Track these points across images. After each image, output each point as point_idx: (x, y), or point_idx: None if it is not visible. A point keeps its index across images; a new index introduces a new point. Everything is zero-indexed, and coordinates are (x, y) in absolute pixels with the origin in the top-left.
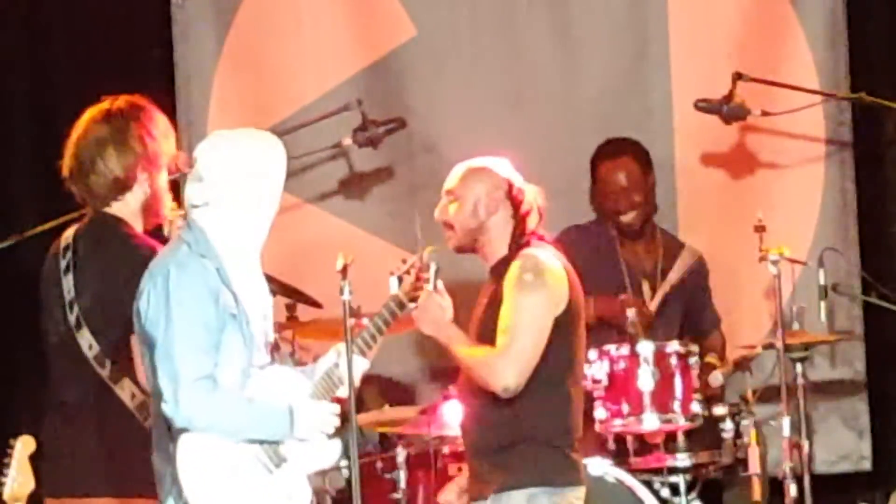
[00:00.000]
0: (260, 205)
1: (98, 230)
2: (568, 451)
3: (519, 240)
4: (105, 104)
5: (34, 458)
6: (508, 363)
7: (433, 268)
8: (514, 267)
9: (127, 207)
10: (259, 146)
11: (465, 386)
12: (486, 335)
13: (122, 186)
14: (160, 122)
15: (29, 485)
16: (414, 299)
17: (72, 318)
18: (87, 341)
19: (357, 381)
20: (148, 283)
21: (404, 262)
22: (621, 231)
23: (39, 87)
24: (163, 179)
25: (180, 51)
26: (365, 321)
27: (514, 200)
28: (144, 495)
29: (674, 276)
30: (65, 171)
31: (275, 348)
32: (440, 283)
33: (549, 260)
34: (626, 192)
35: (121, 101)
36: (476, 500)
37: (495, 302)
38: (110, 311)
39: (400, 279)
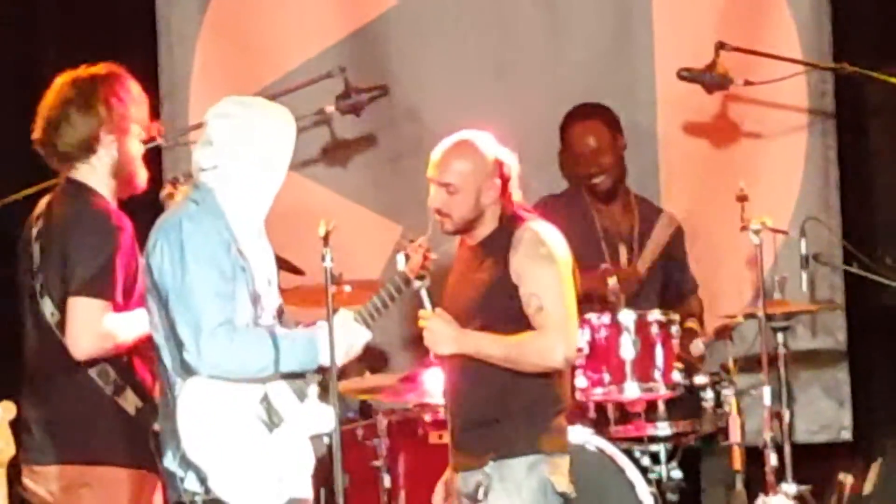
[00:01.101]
0: (267, 171)
1: (63, 197)
2: (560, 419)
3: (509, 214)
4: (78, 70)
5: (14, 424)
6: (558, 337)
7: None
8: (524, 243)
9: (93, 172)
10: (270, 114)
11: (458, 357)
12: (494, 308)
13: (86, 147)
14: (131, 88)
15: (9, 451)
16: (420, 277)
17: (37, 286)
18: (49, 308)
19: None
20: (159, 237)
21: (412, 240)
22: (594, 195)
23: (22, 55)
24: (132, 145)
25: (163, 17)
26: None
27: (503, 178)
28: (108, 463)
29: (654, 244)
30: (34, 135)
31: (280, 313)
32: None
33: (553, 231)
34: (596, 155)
35: (95, 67)
36: (465, 469)
37: (498, 276)
38: (60, 275)
39: (407, 256)
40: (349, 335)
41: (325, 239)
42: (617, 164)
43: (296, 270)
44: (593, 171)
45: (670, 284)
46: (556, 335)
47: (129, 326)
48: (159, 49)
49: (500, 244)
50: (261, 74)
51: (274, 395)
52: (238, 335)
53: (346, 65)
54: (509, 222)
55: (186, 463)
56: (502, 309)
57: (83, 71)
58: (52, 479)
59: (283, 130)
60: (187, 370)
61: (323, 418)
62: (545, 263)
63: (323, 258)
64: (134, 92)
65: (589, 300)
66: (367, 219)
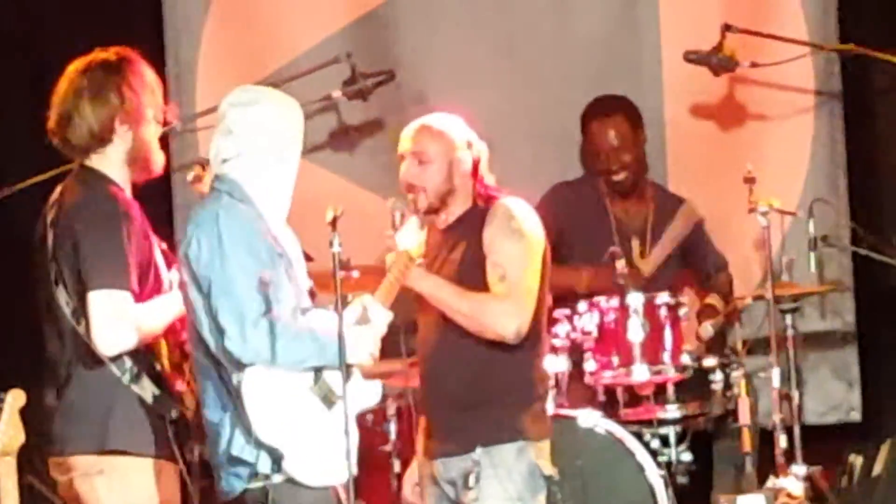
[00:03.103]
0: (287, 158)
1: (74, 185)
2: (541, 403)
3: (483, 195)
4: (91, 56)
5: (24, 412)
6: (514, 307)
7: (398, 215)
8: (497, 217)
9: (107, 160)
10: (283, 104)
11: (436, 341)
12: (469, 283)
13: (99, 138)
14: (145, 74)
15: (19, 438)
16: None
17: (52, 274)
18: (64, 297)
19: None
20: (194, 229)
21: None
22: (612, 189)
23: (30, 40)
24: (148, 132)
25: (169, 2)
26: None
27: (474, 158)
28: (123, 452)
29: (671, 237)
30: (48, 124)
31: (312, 295)
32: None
33: (527, 208)
34: (617, 152)
35: (107, 52)
36: (447, 456)
37: (472, 252)
38: (74, 265)
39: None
40: (375, 322)
41: (333, 224)
42: (638, 159)
43: (304, 256)
44: (614, 167)
45: (694, 268)
46: (513, 305)
47: (152, 315)
48: (165, 34)
49: (474, 223)
50: (267, 60)
51: (327, 374)
52: (281, 327)
53: (353, 50)
54: (484, 202)
55: (259, 446)
56: (479, 284)
57: (95, 58)
58: (71, 468)
59: (296, 121)
60: (229, 358)
61: (369, 393)
62: (514, 236)
63: (331, 243)
64: (147, 77)
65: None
66: (374, 204)
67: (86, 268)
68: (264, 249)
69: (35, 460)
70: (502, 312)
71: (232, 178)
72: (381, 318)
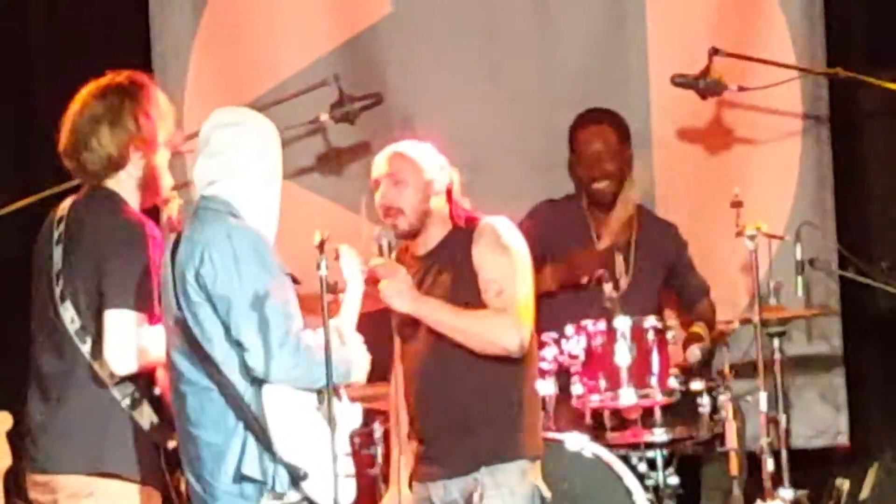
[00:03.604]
0: (273, 178)
1: (91, 202)
2: (536, 422)
3: (462, 217)
4: (105, 79)
5: (12, 435)
6: (515, 320)
7: (386, 243)
8: (484, 235)
9: (120, 185)
10: (265, 125)
11: (430, 365)
12: (459, 304)
13: (114, 165)
14: (159, 100)
15: (5, 461)
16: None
17: (57, 290)
18: (69, 314)
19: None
20: (204, 249)
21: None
22: (594, 201)
23: (16, 61)
24: (160, 158)
25: (157, 25)
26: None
27: (448, 182)
28: (116, 476)
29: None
30: (60, 146)
31: None
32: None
33: (511, 226)
34: (601, 160)
35: (121, 77)
36: (449, 478)
37: (462, 272)
38: (92, 284)
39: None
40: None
41: (320, 247)
42: (621, 171)
43: (291, 279)
44: (596, 174)
45: (676, 292)
46: (514, 318)
47: (160, 341)
48: (153, 57)
49: (459, 245)
50: (255, 83)
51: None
52: (304, 346)
53: (341, 73)
54: (465, 224)
55: (278, 464)
56: (469, 304)
57: (110, 82)
58: (57, 488)
59: (277, 141)
60: (250, 376)
61: (354, 416)
62: (505, 252)
63: (318, 266)
64: (161, 103)
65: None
66: (361, 227)
67: (109, 286)
68: (275, 266)
69: (22, 482)
70: (504, 326)
71: (223, 198)
72: (356, 340)
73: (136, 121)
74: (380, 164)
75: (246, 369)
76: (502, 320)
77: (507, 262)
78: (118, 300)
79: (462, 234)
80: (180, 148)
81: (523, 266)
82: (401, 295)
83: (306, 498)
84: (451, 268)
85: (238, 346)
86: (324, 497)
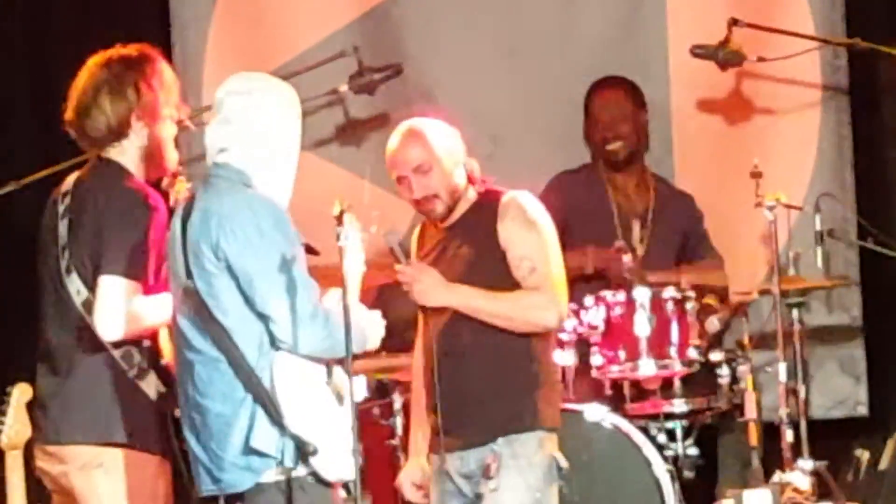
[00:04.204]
0: (287, 145)
1: (95, 175)
2: (554, 393)
3: (483, 190)
4: (112, 50)
5: (30, 406)
6: (551, 296)
7: (398, 247)
8: (510, 211)
9: (124, 155)
10: (282, 91)
11: (449, 336)
12: (482, 278)
13: (115, 133)
14: (164, 72)
15: (26, 432)
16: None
17: (63, 263)
18: (75, 287)
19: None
20: (223, 220)
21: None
22: (608, 164)
23: (36, 34)
24: (164, 130)
25: None
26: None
27: (463, 149)
28: (124, 445)
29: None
30: (66, 115)
31: None
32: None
33: (535, 200)
34: (614, 122)
35: (129, 49)
36: (465, 448)
37: (485, 246)
38: (95, 253)
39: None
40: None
41: (340, 218)
42: (635, 134)
43: (311, 250)
44: (609, 136)
45: (689, 264)
46: (550, 294)
47: (158, 309)
48: (172, 28)
49: (483, 218)
50: (274, 54)
51: (336, 370)
52: (331, 316)
53: (360, 44)
54: (488, 196)
55: (287, 437)
56: (491, 278)
57: (116, 52)
58: (67, 458)
59: (294, 107)
60: (265, 348)
61: (358, 388)
62: (533, 228)
63: (337, 237)
64: (166, 76)
65: (602, 278)
66: (380, 198)
67: (104, 253)
68: (296, 236)
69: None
70: (542, 304)
71: (236, 167)
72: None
73: (138, 90)
74: (399, 161)
75: (265, 340)
76: (539, 299)
77: (536, 238)
78: (111, 267)
79: (485, 208)
80: (190, 122)
81: (552, 240)
82: (432, 291)
83: (313, 472)
84: (472, 241)
85: (262, 318)
86: (331, 472)
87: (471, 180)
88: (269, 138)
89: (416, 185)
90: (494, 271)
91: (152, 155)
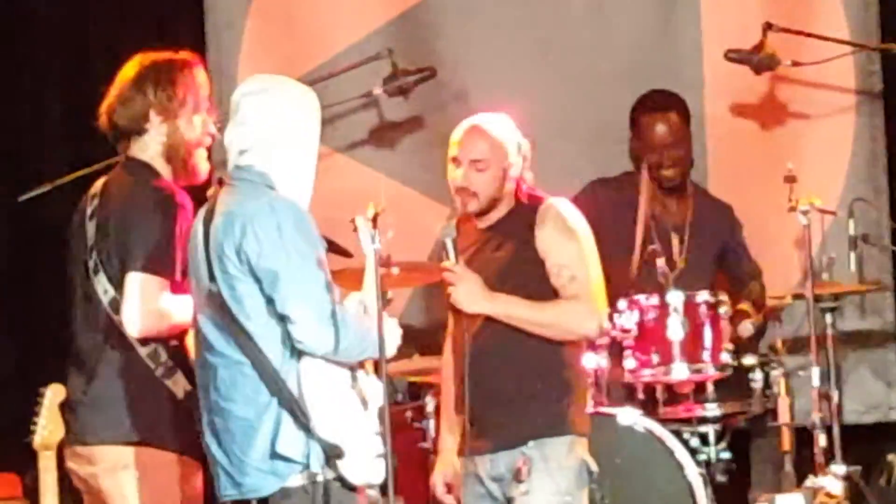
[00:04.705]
0: (304, 145)
1: (123, 175)
2: (584, 398)
3: (525, 194)
4: (154, 52)
5: (63, 407)
6: (591, 305)
7: (451, 245)
8: (549, 218)
9: (146, 151)
10: (298, 92)
11: (481, 339)
12: (517, 283)
13: (135, 125)
14: (195, 75)
15: (59, 433)
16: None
17: (91, 263)
18: (102, 286)
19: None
20: (246, 222)
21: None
22: (662, 187)
23: (71, 35)
24: (187, 131)
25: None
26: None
27: (522, 160)
28: (154, 444)
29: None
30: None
31: None
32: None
33: (573, 207)
34: (669, 148)
35: (167, 52)
36: (495, 451)
37: (522, 252)
38: (124, 253)
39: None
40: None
41: (374, 221)
42: (688, 155)
43: (344, 252)
44: (666, 163)
45: (727, 274)
46: (590, 304)
47: (187, 308)
48: (207, 31)
49: (521, 222)
50: (308, 57)
51: (360, 374)
52: (349, 319)
53: (394, 47)
54: (528, 201)
55: (314, 441)
56: (526, 283)
57: (155, 53)
58: (95, 459)
59: (312, 108)
60: (289, 351)
61: (377, 393)
62: (573, 236)
63: (372, 240)
64: (198, 79)
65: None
66: (414, 201)
67: (132, 250)
68: (318, 239)
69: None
70: (582, 313)
71: (258, 169)
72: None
73: (157, 85)
74: (464, 145)
75: (289, 344)
76: (579, 307)
77: (575, 246)
78: (139, 263)
79: (524, 213)
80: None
81: (590, 248)
82: (473, 297)
83: (339, 477)
84: (509, 245)
85: (283, 320)
86: (357, 476)
87: (518, 189)
88: (286, 139)
89: (464, 173)
90: (529, 276)
91: (175, 156)
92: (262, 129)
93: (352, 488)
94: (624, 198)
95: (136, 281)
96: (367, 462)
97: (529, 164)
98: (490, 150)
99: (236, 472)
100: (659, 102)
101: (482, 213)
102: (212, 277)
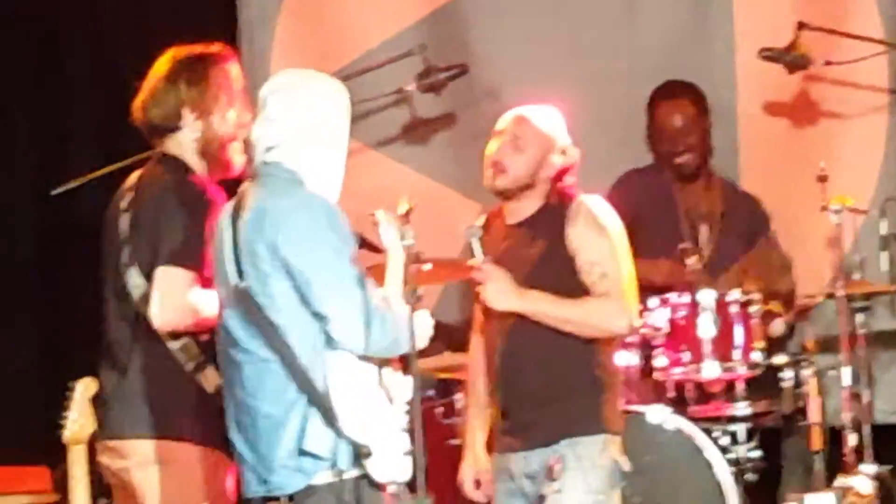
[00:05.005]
0: (333, 142)
1: (156, 169)
2: (616, 397)
3: (557, 192)
4: (190, 46)
5: (95, 401)
6: (622, 303)
7: (477, 243)
8: (581, 215)
9: (181, 148)
10: (326, 86)
11: (513, 336)
12: (548, 280)
13: (168, 121)
14: (228, 71)
15: (89, 427)
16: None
17: (123, 258)
18: (134, 281)
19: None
20: (279, 219)
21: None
22: (677, 174)
23: (101, 30)
24: (221, 127)
25: None
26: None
27: (563, 165)
28: (185, 438)
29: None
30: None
31: None
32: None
33: (605, 204)
34: (682, 134)
35: (202, 46)
36: (529, 449)
37: (553, 249)
38: (154, 246)
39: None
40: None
41: (406, 217)
42: (702, 143)
43: (375, 248)
44: (678, 149)
45: (759, 268)
46: (621, 301)
47: (216, 303)
48: (239, 26)
49: (552, 219)
50: (340, 53)
51: (385, 371)
52: (388, 315)
53: (426, 43)
54: (559, 199)
55: (342, 439)
56: (556, 281)
57: (190, 48)
58: (127, 453)
59: (341, 104)
60: (323, 346)
61: (406, 387)
62: (603, 233)
63: (403, 236)
64: (231, 74)
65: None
66: (447, 197)
67: (162, 244)
68: (350, 235)
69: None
70: (612, 311)
71: (287, 167)
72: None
73: (190, 82)
74: (509, 120)
75: (318, 341)
76: (609, 305)
77: (606, 243)
78: (169, 257)
79: (555, 210)
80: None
81: (622, 246)
82: (503, 295)
83: (365, 474)
84: (541, 242)
85: (318, 318)
86: (384, 474)
87: (552, 190)
88: (314, 136)
89: (501, 146)
90: (559, 274)
91: (208, 151)
92: (291, 125)
93: (378, 486)
94: (655, 186)
95: (164, 273)
96: (394, 460)
97: (574, 171)
98: (533, 136)
99: (263, 470)
100: (671, 90)
101: (505, 196)
102: (240, 273)
